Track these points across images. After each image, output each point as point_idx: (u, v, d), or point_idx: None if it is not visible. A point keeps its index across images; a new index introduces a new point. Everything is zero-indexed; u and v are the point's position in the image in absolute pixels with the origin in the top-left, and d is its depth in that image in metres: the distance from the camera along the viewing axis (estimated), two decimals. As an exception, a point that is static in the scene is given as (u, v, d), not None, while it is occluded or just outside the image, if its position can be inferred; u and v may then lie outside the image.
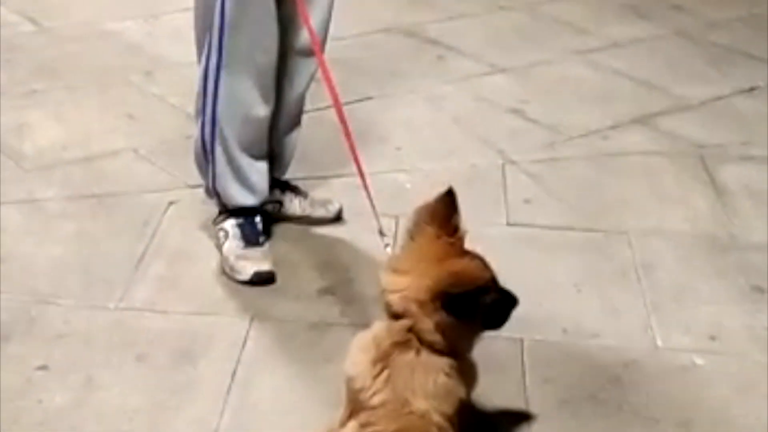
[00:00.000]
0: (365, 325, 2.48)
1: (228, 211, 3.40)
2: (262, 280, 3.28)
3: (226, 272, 3.33)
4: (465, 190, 3.91)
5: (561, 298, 3.35)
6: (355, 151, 2.84)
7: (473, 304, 2.23)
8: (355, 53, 4.98)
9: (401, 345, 2.25)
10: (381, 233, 2.64)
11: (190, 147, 3.46)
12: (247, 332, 3.08)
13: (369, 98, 4.62)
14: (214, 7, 3.10)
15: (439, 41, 5.28)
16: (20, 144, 4.07)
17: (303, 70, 3.35)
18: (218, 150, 3.27)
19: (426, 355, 2.24)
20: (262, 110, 3.25)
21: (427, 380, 2.23)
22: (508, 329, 3.03)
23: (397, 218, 3.67)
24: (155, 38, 5.16)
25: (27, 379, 2.84)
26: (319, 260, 3.46)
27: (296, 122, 3.50)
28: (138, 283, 3.28)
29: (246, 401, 2.81)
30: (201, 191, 3.53)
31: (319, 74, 3.36)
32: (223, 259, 3.35)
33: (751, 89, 4.95)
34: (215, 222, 3.44)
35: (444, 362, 2.25)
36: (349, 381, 2.32)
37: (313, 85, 3.46)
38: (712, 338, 3.19)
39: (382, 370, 2.27)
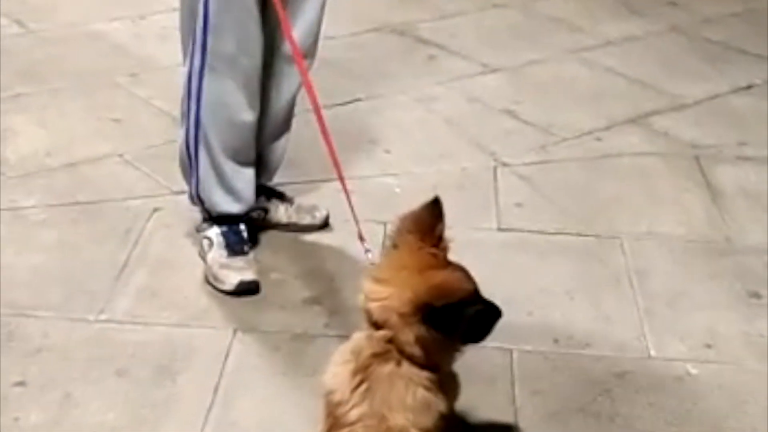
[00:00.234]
0: (350, 337, 2.41)
1: (212, 218, 3.33)
2: (246, 290, 3.21)
3: (210, 282, 3.26)
4: (456, 194, 3.89)
5: (552, 306, 3.28)
6: (336, 156, 2.72)
7: (455, 318, 2.14)
8: (344, 53, 4.90)
9: (380, 356, 2.18)
10: (361, 238, 2.54)
11: (176, 152, 3.38)
12: (230, 345, 3.01)
13: (358, 100, 4.55)
14: (198, 9, 3.03)
15: (431, 40, 5.21)
16: (2, 150, 3.99)
17: (291, 74, 3.26)
18: (202, 155, 3.20)
19: (406, 367, 2.17)
20: (247, 115, 3.18)
21: (406, 393, 2.16)
22: (497, 339, 2.96)
23: (385, 224, 3.60)
24: (142, 39, 5.08)
25: (3, 395, 2.77)
26: (304, 269, 3.39)
27: (284, 128, 3.42)
28: (119, 294, 3.21)
29: (227, 418, 2.74)
30: (186, 198, 3.45)
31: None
32: (207, 268, 3.28)
33: (748, 87, 4.88)
34: (199, 230, 3.37)
35: (424, 375, 2.18)
36: (328, 394, 2.25)
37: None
38: (708, 346, 3.12)
39: (361, 383, 2.20)
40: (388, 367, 2.17)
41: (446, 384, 2.26)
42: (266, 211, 3.51)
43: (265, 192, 3.51)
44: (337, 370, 2.26)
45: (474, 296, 2.25)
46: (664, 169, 4.14)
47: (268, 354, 2.99)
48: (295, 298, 3.24)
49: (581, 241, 3.62)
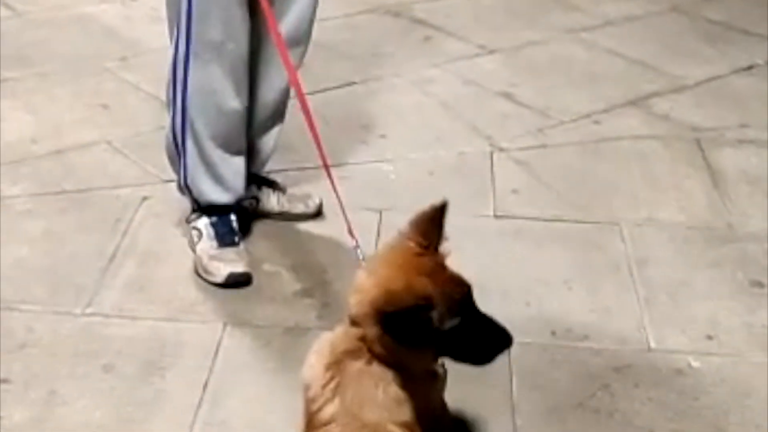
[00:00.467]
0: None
1: (201, 208, 3.25)
2: (237, 282, 3.13)
3: (200, 274, 3.18)
4: (451, 180, 3.82)
5: (550, 296, 3.20)
6: (324, 155, 2.64)
7: (407, 325, 2.01)
8: (338, 35, 4.81)
9: (352, 353, 2.10)
10: (351, 233, 2.45)
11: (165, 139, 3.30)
12: (220, 339, 2.93)
13: (352, 83, 4.47)
14: None
15: (426, 21, 5.12)
16: (-12, 137, 3.91)
17: (280, 62, 3.17)
18: (189, 143, 3.11)
19: (375, 366, 2.08)
20: (235, 103, 3.09)
21: (376, 391, 2.08)
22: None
23: (380, 212, 3.55)
24: (132, 22, 5.00)
25: (-13, 393, 2.70)
26: (297, 259, 3.31)
27: (276, 118, 3.32)
28: (107, 287, 3.14)
29: (217, 416, 2.67)
30: (175, 186, 3.37)
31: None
32: (197, 260, 3.21)
33: (749, 68, 4.79)
34: (188, 220, 3.29)
35: (391, 374, 2.09)
36: (305, 388, 2.18)
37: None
38: (709, 338, 3.05)
39: (332, 378, 2.12)
40: (358, 365, 2.09)
41: (423, 381, 2.16)
42: (258, 199, 3.43)
43: (257, 180, 3.43)
44: (312, 361, 2.19)
45: (430, 304, 2.02)
46: (664, 152, 4.05)
47: (259, 349, 2.92)
48: (287, 290, 3.16)
49: (579, 228, 3.54)
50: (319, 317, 3.03)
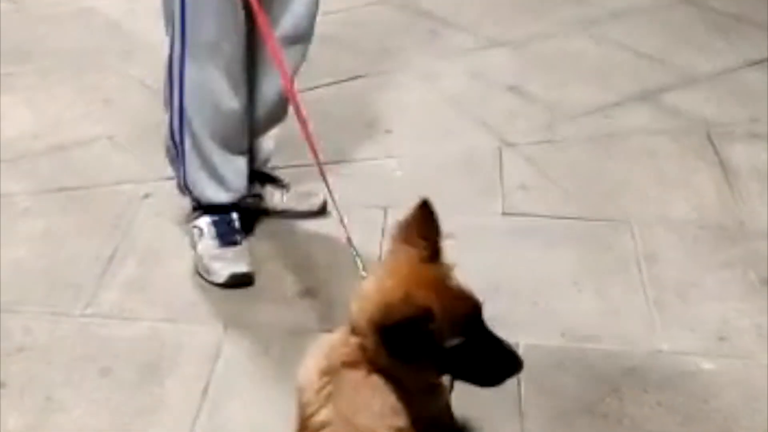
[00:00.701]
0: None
1: (202, 207, 3.18)
2: (238, 282, 3.07)
3: (201, 274, 3.13)
4: (459, 176, 3.75)
5: (559, 296, 3.13)
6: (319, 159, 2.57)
7: (411, 340, 1.91)
8: (344, 28, 4.74)
9: (351, 363, 2.02)
10: (348, 241, 2.38)
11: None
12: (220, 342, 2.88)
13: (358, 77, 4.40)
14: None
15: (433, 14, 5.03)
16: (-12, 133, 3.86)
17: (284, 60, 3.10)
18: (187, 143, 3.06)
19: (375, 376, 2.00)
20: (233, 102, 3.03)
21: (373, 400, 2.00)
22: (502, 332, 2.85)
23: (385, 209, 3.49)
24: (136, 15, 4.92)
25: (-18, 399, 2.65)
26: (300, 258, 3.25)
27: (278, 117, 3.25)
28: (106, 287, 3.09)
29: (216, 422, 2.62)
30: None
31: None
32: (197, 260, 3.15)
33: (761, 61, 4.69)
34: (189, 219, 3.24)
35: (393, 385, 2.02)
36: (299, 391, 2.11)
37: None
38: (720, 339, 2.98)
39: (326, 384, 2.05)
40: (356, 374, 2.02)
41: (424, 392, 2.08)
42: (261, 197, 3.37)
43: (260, 177, 3.37)
44: (308, 365, 2.12)
45: (429, 317, 1.91)
46: (674, 148, 3.98)
47: (260, 352, 2.86)
48: (290, 291, 3.11)
49: (588, 226, 3.48)
50: (321, 319, 2.97)
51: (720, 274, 3.25)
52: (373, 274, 2.13)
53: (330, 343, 2.13)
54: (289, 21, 3.02)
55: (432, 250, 2.04)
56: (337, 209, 2.49)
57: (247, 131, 3.15)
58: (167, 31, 3.00)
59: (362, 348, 2.01)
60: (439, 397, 2.12)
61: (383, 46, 4.69)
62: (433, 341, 1.92)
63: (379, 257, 3.11)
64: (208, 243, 3.14)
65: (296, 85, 3.27)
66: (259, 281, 3.11)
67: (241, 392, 2.72)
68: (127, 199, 3.49)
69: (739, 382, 2.82)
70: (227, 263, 3.09)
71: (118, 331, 2.91)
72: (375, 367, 2.00)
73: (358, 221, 3.35)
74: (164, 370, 2.77)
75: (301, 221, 3.42)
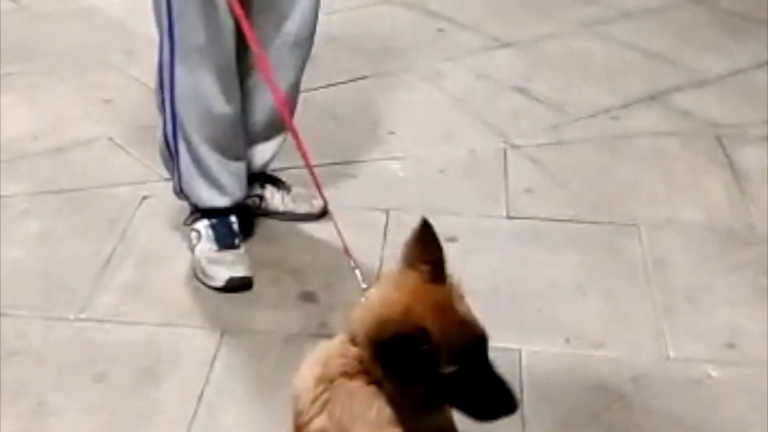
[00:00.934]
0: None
1: (201, 210, 3.12)
2: (237, 286, 3.02)
3: (199, 277, 3.07)
4: (462, 178, 3.69)
5: (563, 301, 3.07)
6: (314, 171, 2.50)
7: (404, 357, 1.82)
8: (349, 28, 4.67)
9: (349, 375, 1.95)
10: (347, 253, 2.29)
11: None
12: (218, 347, 2.82)
13: (362, 77, 4.34)
14: None
15: (440, 13, 4.97)
16: (-13, 134, 3.80)
17: (284, 64, 3.04)
18: (182, 148, 3.00)
19: (373, 387, 1.93)
20: (225, 107, 2.97)
21: (370, 411, 1.93)
22: (505, 338, 2.80)
23: (387, 212, 3.43)
24: (138, 15, 4.79)
25: (-26, 404, 2.59)
26: (300, 262, 3.19)
27: (276, 129, 3.16)
28: (102, 290, 3.03)
29: (212, 429, 2.56)
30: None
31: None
32: (195, 263, 3.09)
33: (772, 61, 4.63)
34: (187, 222, 3.18)
35: (390, 399, 1.94)
36: (294, 398, 2.05)
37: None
38: (730, 346, 2.91)
39: (322, 393, 1.98)
40: (354, 384, 1.94)
41: (420, 412, 2.00)
42: (261, 198, 3.31)
43: (261, 178, 3.31)
44: (305, 371, 2.05)
45: (422, 337, 1.81)
46: (683, 150, 3.91)
47: (258, 357, 2.80)
48: (289, 295, 3.05)
49: (595, 229, 3.41)
50: (321, 324, 2.91)
51: (730, 279, 3.19)
52: (379, 286, 2.05)
53: (328, 351, 2.06)
54: (295, 21, 2.96)
55: (436, 272, 1.95)
56: (335, 223, 2.40)
57: (243, 136, 3.09)
58: (158, 34, 2.94)
59: (361, 359, 1.94)
60: (438, 414, 2.04)
61: (389, 45, 4.63)
62: (428, 364, 1.83)
63: (380, 263, 3.08)
64: (206, 246, 3.08)
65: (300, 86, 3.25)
66: (257, 285, 3.06)
67: (238, 398, 2.66)
68: (125, 201, 3.44)
69: (749, 391, 2.75)
70: (225, 267, 3.03)
71: (114, 335, 2.86)
72: (373, 378, 1.93)
73: (360, 224, 3.33)
74: (160, 374, 2.72)
75: (301, 224, 3.36)
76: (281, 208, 3.33)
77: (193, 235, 3.12)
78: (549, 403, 2.68)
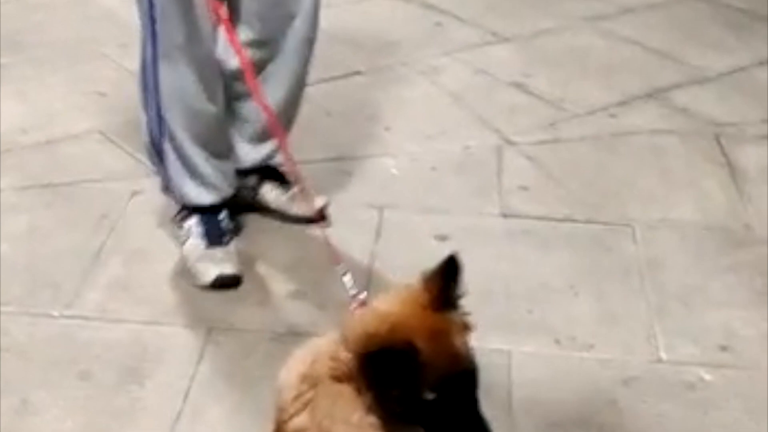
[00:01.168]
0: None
1: (189, 207, 3.08)
2: (225, 284, 2.98)
3: (187, 275, 3.02)
4: (456, 175, 3.65)
5: (555, 301, 3.03)
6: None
7: (388, 369, 1.78)
8: (344, 22, 4.61)
9: (337, 378, 1.91)
10: (336, 260, 2.24)
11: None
12: (204, 346, 2.78)
13: (357, 73, 4.30)
14: None
15: (437, 6, 4.92)
16: (-23, 126, 3.76)
17: (293, 59, 3.03)
18: (167, 146, 2.97)
19: (359, 394, 1.89)
20: (207, 106, 2.95)
21: (353, 414, 1.89)
22: (494, 337, 2.76)
23: (381, 209, 3.40)
24: (134, 6, 4.77)
25: (-45, 401, 2.56)
26: (291, 258, 3.16)
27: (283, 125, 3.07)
28: (89, 287, 2.99)
29: (197, 428, 2.53)
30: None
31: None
32: (183, 260, 3.05)
33: (774, 59, 4.58)
34: (175, 219, 3.14)
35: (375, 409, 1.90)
36: (278, 392, 2.01)
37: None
38: (723, 348, 2.87)
39: (306, 391, 1.94)
40: (340, 388, 1.90)
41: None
42: (255, 190, 3.26)
43: (262, 171, 3.25)
44: (292, 366, 2.01)
45: (408, 352, 1.77)
46: (681, 148, 3.87)
47: (245, 355, 2.76)
48: (279, 292, 3.01)
49: (589, 228, 3.37)
50: (311, 323, 2.86)
51: (725, 280, 3.15)
52: (382, 298, 2.01)
53: (318, 350, 2.02)
54: (302, 18, 2.94)
55: (445, 301, 1.90)
56: (325, 235, 2.38)
57: (228, 134, 3.06)
58: (141, 33, 2.91)
59: (350, 365, 1.90)
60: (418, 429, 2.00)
61: (385, 39, 4.59)
62: (410, 383, 1.78)
63: (372, 262, 3.04)
64: (194, 243, 3.04)
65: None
66: (246, 282, 3.02)
67: (223, 397, 2.62)
68: (115, 196, 3.41)
69: (742, 395, 2.71)
70: (214, 264, 2.99)
71: (99, 332, 2.82)
72: (358, 386, 1.89)
73: (353, 221, 3.30)
74: (145, 372, 2.68)
75: (292, 222, 3.31)
76: (273, 205, 3.28)
77: (182, 232, 3.09)
78: (539, 405, 2.64)
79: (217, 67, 2.93)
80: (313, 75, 3.81)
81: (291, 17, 2.97)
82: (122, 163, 3.59)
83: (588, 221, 3.40)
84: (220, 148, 3.02)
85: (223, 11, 2.67)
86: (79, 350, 2.76)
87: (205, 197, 3.03)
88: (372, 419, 1.89)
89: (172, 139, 2.95)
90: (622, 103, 4.15)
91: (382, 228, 3.30)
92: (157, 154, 3.01)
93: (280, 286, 3.03)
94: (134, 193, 3.40)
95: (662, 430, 2.58)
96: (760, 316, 2.99)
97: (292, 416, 1.96)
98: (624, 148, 3.86)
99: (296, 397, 1.96)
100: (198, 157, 2.97)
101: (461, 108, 4.08)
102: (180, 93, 2.89)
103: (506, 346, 2.81)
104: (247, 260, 3.10)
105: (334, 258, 2.22)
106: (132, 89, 3.98)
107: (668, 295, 3.06)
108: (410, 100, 4.14)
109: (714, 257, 3.25)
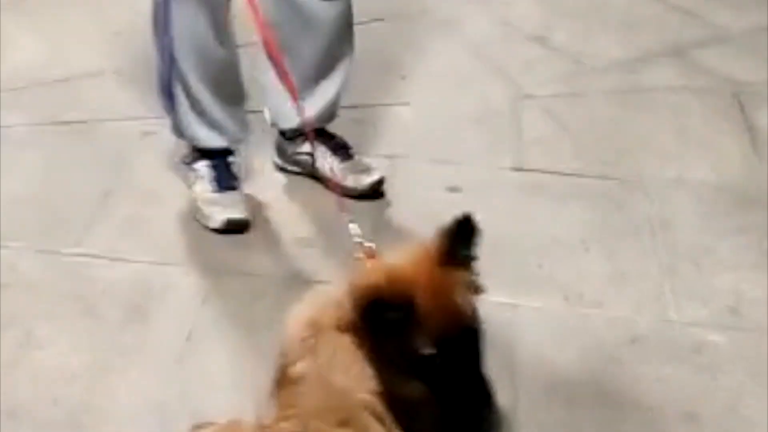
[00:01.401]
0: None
1: (200, 150, 3.07)
2: (234, 228, 2.98)
3: (196, 217, 3.02)
4: (472, 127, 3.62)
5: (565, 257, 3.01)
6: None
7: (383, 326, 1.79)
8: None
9: (341, 328, 1.90)
10: (343, 209, 2.23)
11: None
12: (210, 287, 2.78)
13: (378, 20, 4.24)
14: None
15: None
16: (-4, 60, 3.75)
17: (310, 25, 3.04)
18: (178, 89, 2.95)
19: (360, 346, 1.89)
20: (218, 50, 2.93)
21: (354, 364, 1.89)
22: (502, 292, 2.74)
23: (392, 158, 3.37)
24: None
25: (-38, 334, 2.57)
26: (302, 206, 3.15)
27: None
28: (99, 225, 3.01)
29: (198, 368, 2.54)
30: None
31: None
32: (192, 203, 3.05)
33: (799, 19, 4.50)
34: (185, 161, 3.13)
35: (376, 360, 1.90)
36: (284, 336, 2.01)
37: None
38: (732, 310, 2.85)
39: (309, 338, 1.94)
40: (344, 339, 1.90)
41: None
42: (313, 158, 3.15)
43: (320, 134, 3.14)
44: (298, 312, 2.01)
45: (404, 306, 1.77)
46: (700, 107, 3.82)
47: (251, 301, 2.76)
48: (288, 239, 3.01)
49: (602, 184, 3.34)
50: (318, 270, 2.86)
51: (736, 242, 3.11)
52: (392, 254, 2.00)
53: (325, 299, 2.02)
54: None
55: (455, 256, 1.89)
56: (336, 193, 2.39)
57: (241, 79, 3.03)
58: None
59: (352, 315, 1.90)
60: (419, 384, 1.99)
61: (406, -13, 4.53)
62: (407, 340, 1.79)
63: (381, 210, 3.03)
64: (204, 187, 3.04)
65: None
66: (254, 228, 3.01)
67: (227, 339, 2.64)
68: (128, 136, 3.41)
69: (748, 357, 2.69)
70: (223, 208, 2.99)
71: (106, 271, 2.84)
72: (360, 338, 1.89)
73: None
74: (150, 312, 2.70)
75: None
76: (327, 174, 3.10)
77: (192, 174, 3.08)
78: (542, 364, 2.63)
79: (228, 10, 2.89)
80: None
81: None
82: (137, 104, 3.58)
83: (602, 177, 3.37)
84: (231, 93, 3.00)
85: None
86: (85, 287, 2.77)
87: (216, 140, 3.02)
88: (371, 371, 1.89)
89: (183, 81, 2.93)
90: (641, 60, 4.10)
91: (395, 177, 3.28)
92: (168, 96, 2.99)
93: (288, 232, 3.03)
94: (146, 134, 3.40)
95: (666, 393, 2.56)
96: (768, 278, 2.97)
97: (294, 361, 1.96)
98: (641, 104, 3.82)
99: (300, 343, 1.96)
100: (208, 100, 2.96)
101: (479, 59, 4.04)
102: (191, 35, 2.87)
103: (513, 300, 2.80)
104: (256, 207, 3.10)
105: (341, 205, 2.19)
106: (148, 31, 4.00)
107: (679, 255, 3.03)
108: (429, 49, 4.09)
109: (725, 217, 3.21)
